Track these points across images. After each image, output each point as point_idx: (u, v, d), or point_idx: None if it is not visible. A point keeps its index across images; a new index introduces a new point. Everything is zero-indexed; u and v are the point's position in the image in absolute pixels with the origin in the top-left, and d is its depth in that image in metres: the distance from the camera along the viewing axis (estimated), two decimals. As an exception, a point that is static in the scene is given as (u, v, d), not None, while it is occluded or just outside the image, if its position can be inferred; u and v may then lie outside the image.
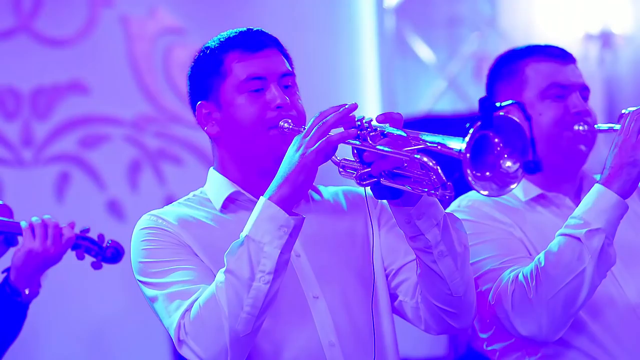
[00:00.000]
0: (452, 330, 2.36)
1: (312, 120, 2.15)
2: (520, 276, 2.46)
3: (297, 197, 2.14)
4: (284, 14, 6.12)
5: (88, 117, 5.67)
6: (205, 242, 2.28)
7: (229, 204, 2.36)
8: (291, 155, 2.14)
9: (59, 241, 2.80)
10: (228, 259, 2.14)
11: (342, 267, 2.35)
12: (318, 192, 2.44)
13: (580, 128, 2.68)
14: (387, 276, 2.40)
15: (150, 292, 2.25)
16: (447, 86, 6.53)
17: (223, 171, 2.38)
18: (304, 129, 2.20)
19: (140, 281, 2.28)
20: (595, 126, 2.69)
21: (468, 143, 1.94)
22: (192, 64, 2.39)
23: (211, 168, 2.41)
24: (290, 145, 2.16)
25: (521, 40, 5.14)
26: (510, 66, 2.78)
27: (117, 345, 5.62)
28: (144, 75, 5.81)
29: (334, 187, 2.47)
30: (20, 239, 2.86)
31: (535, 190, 2.72)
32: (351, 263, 2.36)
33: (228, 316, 2.11)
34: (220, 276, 2.14)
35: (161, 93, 5.85)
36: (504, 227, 2.64)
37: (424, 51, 6.51)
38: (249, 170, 2.34)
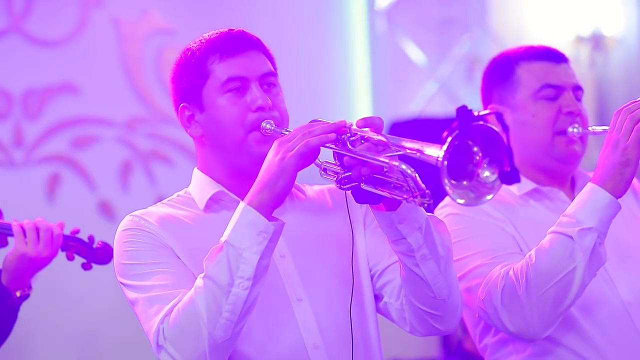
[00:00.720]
0: (437, 332, 2.34)
1: (294, 130, 2.14)
2: (511, 272, 2.45)
3: (276, 202, 2.12)
4: (275, 16, 6.10)
5: (79, 118, 5.64)
6: (187, 242, 2.27)
7: (213, 204, 2.34)
8: (270, 160, 2.13)
9: (50, 244, 2.79)
10: (207, 264, 2.12)
11: (327, 268, 2.33)
12: (302, 191, 2.42)
13: (575, 131, 2.68)
14: (372, 277, 2.38)
15: (131, 294, 2.23)
16: (439, 88, 6.52)
17: (207, 171, 2.36)
18: (287, 131, 2.20)
19: (121, 283, 2.26)
20: (590, 128, 2.68)
21: (445, 151, 1.91)
22: (175, 66, 2.38)
23: (195, 168, 2.40)
24: (270, 150, 2.14)
25: (512, 42, 5.13)
26: (502, 68, 2.76)
27: (108, 347, 5.59)
28: (135, 77, 5.79)
29: (319, 185, 2.45)
30: (10, 239, 2.85)
31: (530, 185, 2.71)
32: (336, 264, 2.34)
33: (207, 322, 2.09)
34: (199, 281, 2.12)
35: (152, 94, 5.82)
36: (496, 222, 2.63)
37: (415, 53, 6.50)
38: (232, 171, 2.33)
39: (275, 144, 2.14)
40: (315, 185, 2.46)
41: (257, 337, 2.23)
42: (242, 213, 2.12)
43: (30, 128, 5.54)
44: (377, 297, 2.38)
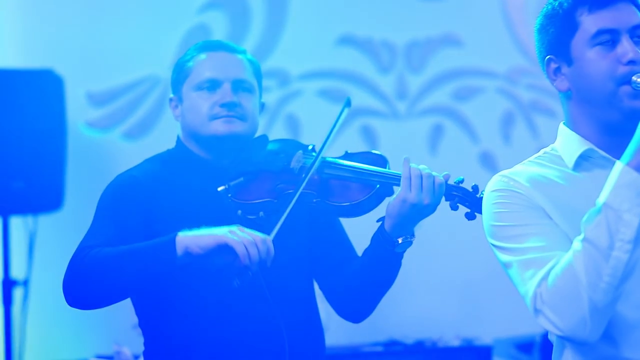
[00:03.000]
0: None
1: None
2: None
3: None
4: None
5: (461, 70, 5.60)
6: (558, 202, 2.17)
7: (582, 161, 2.22)
8: None
9: (432, 191, 2.77)
10: (585, 227, 2.04)
11: None
12: None
13: None
14: None
15: (503, 257, 2.19)
16: None
17: (574, 127, 2.25)
18: None
19: (493, 245, 2.21)
20: None
21: None
22: (541, 17, 2.27)
23: (561, 123, 2.29)
24: None
25: None
26: None
27: (487, 300, 5.55)
28: (517, 27, 5.66)
29: None
30: (395, 188, 2.85)
31: None
32: None
33: (586, 286, 2.02)
34: (577, 245, 2.04)
35: (534, 45, 5.69)
36: None
37: None
38: (600, 127, 2.21)
39: None
40: None
41: (634, 298, 2.12)
42: (620, 174, 2.01)
43: (413, 80, 5.56)
44: None
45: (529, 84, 5.65)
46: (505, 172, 2.27)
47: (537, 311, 2.09)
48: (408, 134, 5.47)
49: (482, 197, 2.80)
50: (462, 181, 2.86)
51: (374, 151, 3.00)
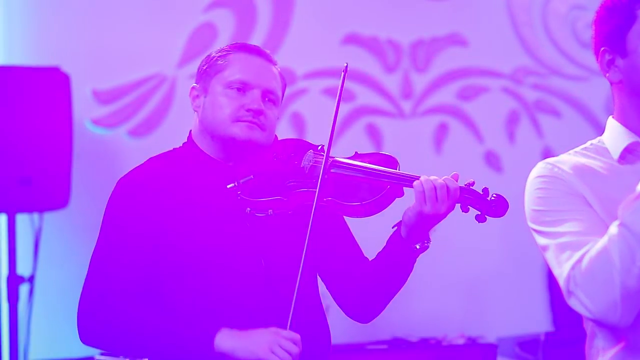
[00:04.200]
0: None
1: None
2: None
3: None
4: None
5: (466, 70, 5.57)
6: (600, 192, 2.20)
7: (627, 154, 2.24)
8: None
9: (447, 200, 2.76)
10: (622, 212, 2.07)
11: None
12: None
13: None
14: None
15: (541, 240, 2.24)
16: None
17: (622, 120, 2.26)
18: None
19: (532, 229, 2.28)
20: None
21: None
22: (600, 9, 2.27)
23: (610, 117, 2.30)
24: None
25: None
26: None
27: (491, 298, 5.53)
28: (522, 27, 5.64)
29: None
30: (405, 190, 2.83)
31: None
32: None
33: (620, 270, 2.05)
34: (613, 229, 2.07)
35: (539, 45, 5.67)
36: None
37: None
38: None
39: None
40: None
41: None
42: None
43: (418, 79, 5.53)
44: None
45: (534, 83, 5.63)
46: (550, 159, 2.31)
47: (569, 293, 2.13)
48: (413, 133, 5.44)
49: (492, 200, 2.80)
50: (472, 184, 2.84)
51: (384, 152, 2.99)
